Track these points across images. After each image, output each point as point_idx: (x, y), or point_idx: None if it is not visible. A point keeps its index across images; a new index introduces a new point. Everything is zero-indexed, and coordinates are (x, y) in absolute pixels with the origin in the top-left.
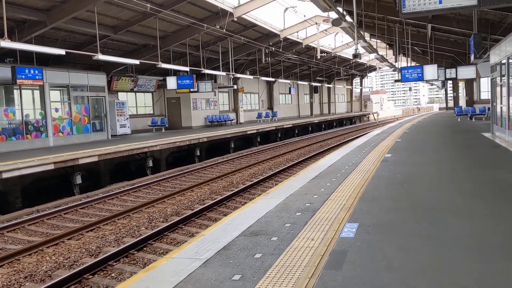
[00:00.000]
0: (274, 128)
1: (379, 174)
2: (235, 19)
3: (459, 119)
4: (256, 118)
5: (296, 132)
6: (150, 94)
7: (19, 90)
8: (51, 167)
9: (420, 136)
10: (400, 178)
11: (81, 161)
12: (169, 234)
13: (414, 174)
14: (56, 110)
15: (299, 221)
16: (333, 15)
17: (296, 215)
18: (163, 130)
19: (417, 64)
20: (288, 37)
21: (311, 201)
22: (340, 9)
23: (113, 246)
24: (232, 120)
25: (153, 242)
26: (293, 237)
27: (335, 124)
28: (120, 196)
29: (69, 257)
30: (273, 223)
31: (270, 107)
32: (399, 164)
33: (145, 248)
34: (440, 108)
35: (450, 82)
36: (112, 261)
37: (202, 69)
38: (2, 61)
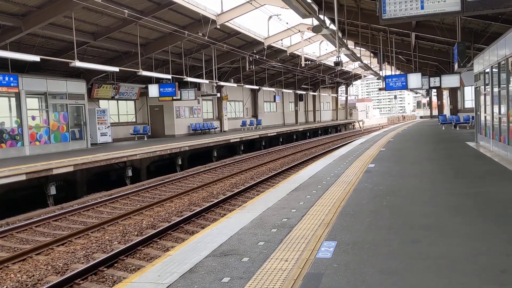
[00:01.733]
0: (258, 136)
1: (361, 186)
2: (218, 27)
3: (443, 128)
4: (241, 126)
5: (281, 140)
6: (133, 102)
7: None
8: (23, 177)
9: (404, 144)
10: (383, 191)
11: (55, 171)
12: (143, 248)
13: (398, 186)
14: (33, 118)
15: (273, 239)
16: (316, 23)
17: (271, 231)
18: (146, 139)
19: (401, 73)
20: (272, 45)
21: (288, 216)
22: (322, 17)
23: (82, 263)
24: (216, 128)
25: (125, 258)
26: (265, 257)
27: (320, 132)
28: (96, 207)
29: (34, 275)
30: (246, 241)
31: (255, 115)
32: (382, 175)
33: (116, 264)
34: (421, 117)
35: (434, 90)
36: (79, 279)
37: (185, 77)
38: None
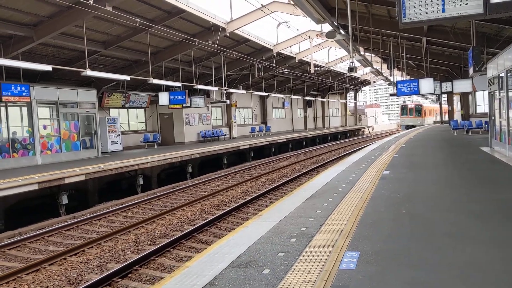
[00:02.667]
0: (267, 143)
1: (378, 194)
2: (228, 34)
3: (455, 133)
4: (250, 132)
5: (290, 146)
6: (143, 110)
7: (5, 107)
8: (36, 187)
9: (417, 150)
10: (400, 198)
11: (67, 181)
12: (156, 258)
13: (415, 193)
14: (44, 127)
15: (293, 249)
16: (326, 29)
17: (290, 241)
18: (156, 146)
19: (412, 78)
20: (281, 51)
21: (306, 225)
22: (334, 23)
23: (96, 273)
24: (225, 135)
25: (139, 268)
26: (287, 269)
27: (329, 138)
28: (108, 216)
29: (47, 286)
30: (265, 251)
31: (264, 122)
32: (398, 181)
33: (130, 275)
34: (435, 122)
35: (444, 95)
36: None
37: (195, 84)
38: None
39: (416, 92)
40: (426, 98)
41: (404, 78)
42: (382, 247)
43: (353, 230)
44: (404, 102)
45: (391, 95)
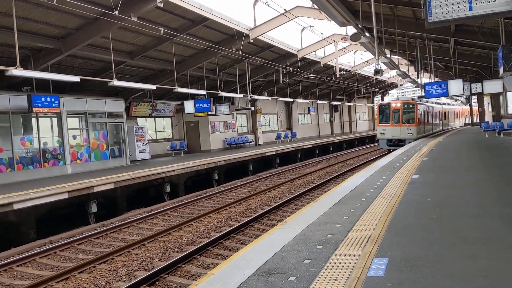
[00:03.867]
0: (293, 149)
1: (407, 199)
2: (251, 41)
3: (486, 135)
4: (275, 139)
5: (317, 152)
6: (169, 118)
7: (36, 118)
8: (65, 196)
9: (447, 154)
10: (430, 203)
11: (96, 189)
12: (183, 265)
13: (446, 197)
14: (74, 137)
15: (319, 256)
16: (351, 32)
17: (316, 248)
18: (182, 154)
19: (440, 80)
20: (306, 56)
21: (333, 232)
22: (359, 25)
23: (124, 281)
24: (250, 142)
25: (166, 276)
26: (313, 276)
27: (356, 143)
28: (136, 224)
29: None
30: (291, 258)
31: (289, 128)
32: (428, 186)
33: (157, 283)
34: (465, 124)
35: (474, 97)
36: None
37: (220, 92)
38: (19, 90)
39: (445, 94)
40: (456, 100)
41: (432, 80)
42: (412, 253)
43: (381, 236)
44: (383, 100)
45: (419, 97)
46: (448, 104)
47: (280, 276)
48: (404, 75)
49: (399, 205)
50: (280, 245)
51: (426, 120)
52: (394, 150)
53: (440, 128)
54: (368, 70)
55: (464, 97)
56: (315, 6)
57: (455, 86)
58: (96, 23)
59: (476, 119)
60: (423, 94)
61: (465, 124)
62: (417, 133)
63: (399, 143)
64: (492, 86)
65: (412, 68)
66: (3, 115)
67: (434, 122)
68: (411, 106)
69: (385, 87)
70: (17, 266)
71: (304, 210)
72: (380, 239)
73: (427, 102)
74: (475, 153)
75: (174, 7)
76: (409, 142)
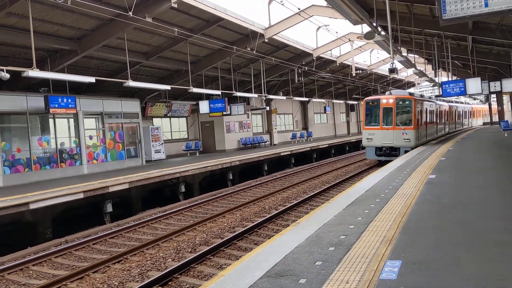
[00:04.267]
0: (309, 148)
1: (423, 199)
2: (266, 40)
3: (505, 134)
4: (291, 139)
5: (333, 152)
6: (185, 118)
7: (53, 119)
8: (81, 196)
9: (465, 153)
10: (447, 204)
11: (111, 189)
12: (196, 266)
13: (463, 198)
14: (90, 137)
15: (331, 258)
16: (366, 31)
17: (328, 250)
18: (197, 154)
19: (458, 78)
20: (321, 55)
21: (346, 233)
22: (373, 23)
23: (137, 281)
24: (266, 142)
25: (178, 276)
26: (324, 279)
27: None
28: (151, 223)
29: None
30: (302, 260)
31: (305, 127)
32: (445, 186)
33: (170, 283)
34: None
35: (493, 95)
36: None
37: (234, 92)
38: (37, 91)
39: (463, 93)
40: (474, 99)
41: (450, 79)
42: (426, 256)
43: (395, 238)
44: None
45: (437, 96)
46: (461, 102)
47: (291, 278)
48: (421, 74)
49: (415, 205)
50: (292, 246)
51: (428, 121)
52: (387, 161)
53: (447, 130)
54: (385, 69)
55: (483, 95)
56: (330, 5)
57: (473, 84)
58: (111, 24)
59: (496, 118)
60: (441, 92)
61: (484, 123)
62: (415, 139)
63: (392, 152)
64: (511, 85)
65: (429, 67)
66: (21, 115)
67: (439, 122)
68: (407, 102)
69: (402, 86)
70: (33, 265)
71: (318, 210)
72: (394, 240)
73: (430, 98)
74: (493, 153)
75: (189, 8)
76: (406, 151)
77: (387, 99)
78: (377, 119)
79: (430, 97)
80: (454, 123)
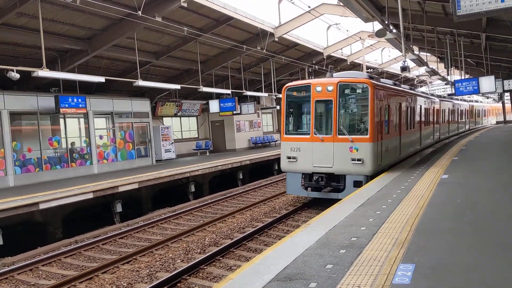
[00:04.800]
0: None
1: (436, 200)
2: (276, 39)
3: None
4: None
5: None
6: (195, 118)
7: (63, 119)
8: (91, 196)
9: (478, 153)
10: (461, 205)
11: (121, 189)
12: (205, 267)
13: (478, 199)
14: (101, 137)
15: (342, 261)
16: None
17: (339, 253)
18: (208, 154)
19: (471, 77)
20: (332, 54)
21: (357, 235)
22: (385, 21)
23: (146, 282)
24: (276, 141)
25: (187, 277)
26: (335, 283)
27: None
28: (161, 224)
29: None
30: (312, 263)
31: None
32: (458, 187)
33: (179, 284)
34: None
35: (507, 94)
36: None
37: (244, 91)
38: (47, 91)
39: (476, 91)
40: (488, 98)
41: (463, 77)
42: (440, 259)
43: (408, 240)
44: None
45: (450, 95)
46: (469, 101)
47: (301, 282)
48: (433, 72)
49: (427, 207)
50: (302, 248)
51: (408, 124)
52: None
53: (437, 136)
54: (396, 68)
55: (496, 94)
56: (341, 3)
57: (487, 83)
58: (121, 23)
59: (510, 117)
60: (453, 91)
61: (497, 122)
62: (374, 159)
63: (332, 183)
64: None
65: (441, 65)
66: (32, 115)
67: (428, 125)
68: (360, 91)
69: (414, 84)
70: (42, 265)
71: (328, 211)
72: (406, 243)
73: (413, 89)
74: (507, 153)
75: (198, 7)
76: (358, 182)
77: (323, 85)
78: (306, 122)
79: (413, 89)
80: (456, 123)
